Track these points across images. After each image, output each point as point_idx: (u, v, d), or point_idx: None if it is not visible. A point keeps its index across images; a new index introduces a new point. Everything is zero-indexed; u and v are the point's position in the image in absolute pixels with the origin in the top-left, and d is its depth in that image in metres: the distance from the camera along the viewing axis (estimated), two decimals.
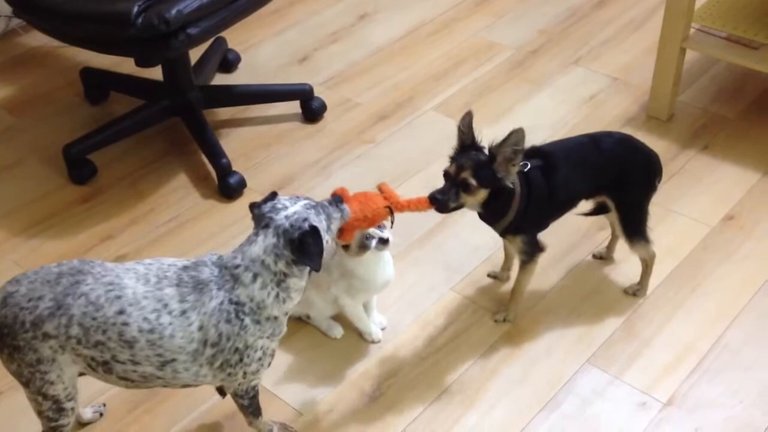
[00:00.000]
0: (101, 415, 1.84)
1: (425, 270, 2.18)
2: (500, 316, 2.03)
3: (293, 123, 2.68)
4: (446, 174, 1.77)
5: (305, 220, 1.52)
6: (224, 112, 2.71)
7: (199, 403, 1.87)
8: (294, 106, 2.69)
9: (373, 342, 1.98)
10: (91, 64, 2.78)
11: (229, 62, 2.86)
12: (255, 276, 1.52)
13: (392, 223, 1.77)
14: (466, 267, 2.18)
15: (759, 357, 1.93)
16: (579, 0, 3.21)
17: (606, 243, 2.18)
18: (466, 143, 1.76)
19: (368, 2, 3.23)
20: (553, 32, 3.06)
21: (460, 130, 1.77)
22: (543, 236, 1.96)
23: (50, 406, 1.57)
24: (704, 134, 2.57)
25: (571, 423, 1.82)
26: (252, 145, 2.60)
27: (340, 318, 2.02)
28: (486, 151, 1.75)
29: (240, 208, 2.36)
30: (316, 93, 2.70)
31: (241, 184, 2.39)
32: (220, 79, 2.82)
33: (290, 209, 1.53)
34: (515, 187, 1.79)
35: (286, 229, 1.51)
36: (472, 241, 2.23)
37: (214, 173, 2.44)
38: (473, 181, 1.73)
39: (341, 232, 1.67)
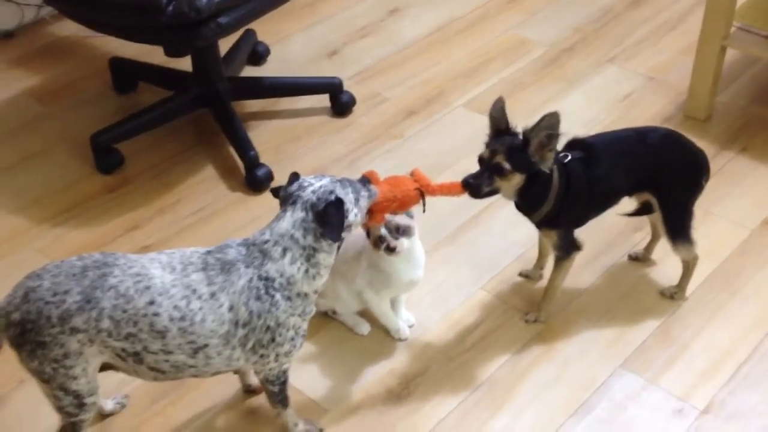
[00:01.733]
0: (123, 406, 1.81)
1: (455, 267, 2.13)
2: (532, 316, 1.98)
3: (322, 117, 2.65)
4: (480, 159, 1.73)
5: (332, 192, 1.52)
6: (253, 105, 2.67)
7: (223, 397, 1.83)
8: (323, 100, 2.66)
9: (399, 339, 1.94)
10: (120, 54, 2.76)
11: (258, 55, 2.83)
12: (284, 250, 1.51)
13: (424, 206, 1.73)
14: (497, 265, 2.13)
15: None
16: None
17: (643, 244, 2.12)
18: (500, 128, 1.73)
19: None
20: (587, 31, 3.00)
21: (492, 116, 1.73)
22: (578, 233, 1.90)
23: (71, 401, 1.54)
24: (743, 135, 2.50)
25: (604, 428, 1.76)
26: (280, 138, 2.56)
27: (366, 314, 1.98)
28: (520, 137, 1.71)
29: (267, 200, 2.29)
30: (346, 87, 2.66)
31: (269, 177, 2.36)
32: (249, 72, 2.79)
33: (316, 184, 1.54)
34: (552, 176, 1.74)
35: (313, 202, 1.51)
36: (505, 239, 2.18)
37: (241, 165, 2.40)
38: (507, 165, 1.69)
39: (371, 213, 1.66)
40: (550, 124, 1.66)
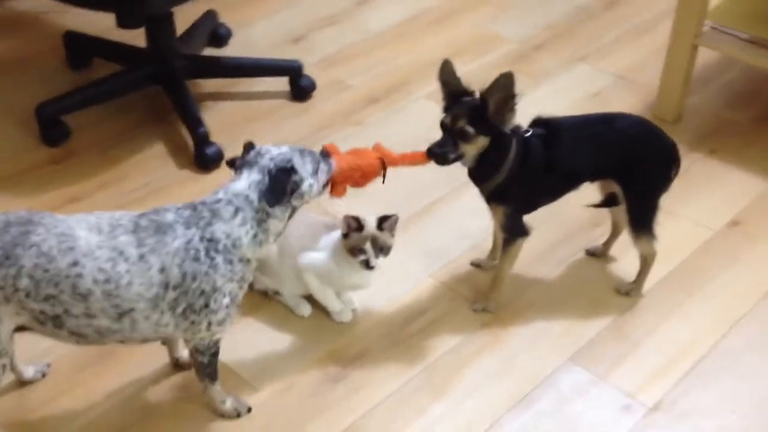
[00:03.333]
0: (44, 375, 1.72)
1: (406, 254, 2.04)
2: (479, 305, 1.89)
3: (280, 100, 2.57)
4: (442, 125, 1.67)
5: (289, 161, 1.50)
6: (210, 85, 2.59)
7: (150, 370, 1.74)
8: (283, 84, 2.58)
9: (340, 322, 1.85)
10: (78, 30, 2.67)
11: (220, 37, 2.75)
12: (236, 210, 1.47)
13: (384, 178, 1.68)
14: (449, 254, 2.04)
15: (759, 366, 1.79)
16: None
17: (602, 239, 2.04)
18: (455, 91, 1.66)
19: None
20: (561, 29, 2.94)
21: (443, 80, 1.67)
22: (534, 226, 1.83)
23: None
24: (713, 138, 2.44)
25: (546, 421, 1.67)
26: (235, 120, 2.48)
27: (309, 297, 1.88)
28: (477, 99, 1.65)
29: (216, 180, 2.22)
30: (308, 73, 2.58)
31: (218, 156, 2.27)
32: (209, 54, 2.71)
33: (275, 152, 1.52)
34: (510, 147, 1.68)
35: (270, 168, 1.47)
36: (459, 228, 2.10)
37: (192, 144, 2.31)
38: (470, 129, 1.63)
39: (334, 184, 1.62)
40: (505, 84, 1.61)
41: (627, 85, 2.66)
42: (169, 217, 1.47)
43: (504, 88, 1.62)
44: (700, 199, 2.22)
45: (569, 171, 1.78)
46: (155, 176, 2.26)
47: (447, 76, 1.69)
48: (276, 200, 1.47)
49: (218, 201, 1.47)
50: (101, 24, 2.58)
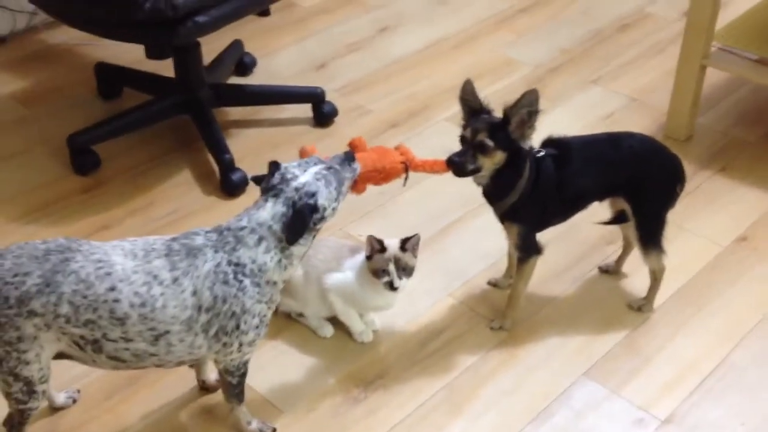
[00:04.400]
0: (74, 401, 1.79)
1: (425, 273, 2.10)
2: (496, 323, 1.95)
3: (304, 126, 2.65)
4: (463, 138, 1.74)
5: (313, 195, 1.51)
6: (235, 113, 2.69)
7: (177, 394, 1.81)
8: (306, 110, 2.67)
9: (362, 342, 1.92)
10: (109, 61, 2.79)
11: (245, 65, 2.85)
12: (260, 239, 1.51)
13: (406, 180, 1.74)
14: (466, 274, 2.11)
15: (765, 379, 1.83)
16: (602, 23, 3.17)
17: (614, 257, 2.10)
18: (475, 108, 1.74)
19: (391, 16, 3.22)
20: (575, 52, 3.02)
21: (463, 99, 1.76)
22: (549, 245, 1.90)
23: (21, 387, 1.52)
24: (723, 156, 2.49)
25: None
26: (260, 146, 2.57)
27: (331, 318, 1.96)
28: (498, 115, 1.73)
29: (241, 205, 2.27)
30: (330, 99, 2.67)
31: (244, 182, 2.36)
32: (234, 82, 2.81)
33: (300, 179, 1.52)
34: (524, 167, 1.75)
35: (295, 201, 1.50)
36: (476, 248, 2.17)
37: (218, 170, 2.40)
38: (490, 142, 1.70)
39: (355, 183, 1.65)
40: (530, 101, 1.68)
41: (639, 106, 2.72)
42: (199, 240, 1.52)
43: (528, 105, 1.68)
44: (709, 215, 2.27)
45: (580, 190, 1.85)
46: (183, 202, 2.35)
47: (467, 95, 1.76)
48: (296, 238, 1.50)
49: (242, 228, 1.51)
50: (131, 55, 2.70)
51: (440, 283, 2.09)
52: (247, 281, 1.51)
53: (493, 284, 2.07)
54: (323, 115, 2.64)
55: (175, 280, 1.49)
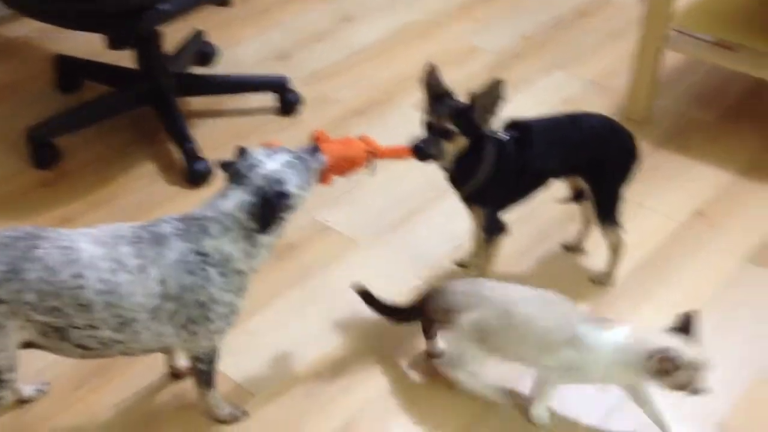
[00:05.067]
0: (43, 393, 1.77)
1: (394, 256, 2.14)
2: None
3: (268, 116, 2.66)
4: (426, 123, 1.76)
5: (281, 182, 1.49)
6: (198, 103, 2.68)
7: (148, 382, 1.80)
8: (270, 100, 2.67)
9: (535, 425, 1.72)
10: (67, 54, 2.76)
11: (206, 56, 2.84)
12: (225, 229, 1.49)
13: (373, 169, 1.74)
14: (435, 255, 2.13)
15: (722, 347, 1.88)
16: (563, 9, 3.22)
17: (576, 234, 2.14)
18: (439, 93, 1.76)
19: (354, 5, 3.23)
20: (536, 38, 3.05)
21: (427, 83, 1.76)
22: (513, 226, 1.93)
23: None
24: (680, 136, 2.55)
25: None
26: (224, 136, 2.57)
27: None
28: (461, 99, 1.75)
29: (206, 195, 2.29)
30: (294, 89, 2.67)
31: (208, 171, 2.35)
32: (196, 72, 2.80)
33: (268, 166, 1.50)
34: (487, 150, 1.77)
35: (262, 188, 1.48)
36: (444, 230, 2.19)
37: (182, 161, 2.40)
38: (454, 128, 1.72)
39: (321, 174, 1.64)
40: (496, 88, 1.70)
41: (599, 90, 2.77)
42: (166, 228, 1.51)
43: (494, 93, 1.71)
44: (667, 193, 2.32)
45: (541, 170, 1.88)
46: (146, 194, 2.34)
47: (431, 78, 1.77)
48: (267, 228, 1.49)
49: (207, 218, 1.49)
50: (90, 47, 2.68)
51: (409, 266, 2.10)
52: (212, 271, 1.49)
53: (460, 264, 2.09)
54: (288, 104, 2.64)
55: (141, 267, 1.48)
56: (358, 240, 2.19)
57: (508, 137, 1.82)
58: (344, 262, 2.12)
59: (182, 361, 1.79)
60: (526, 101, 2.72)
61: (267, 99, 2.67)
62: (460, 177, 1.82)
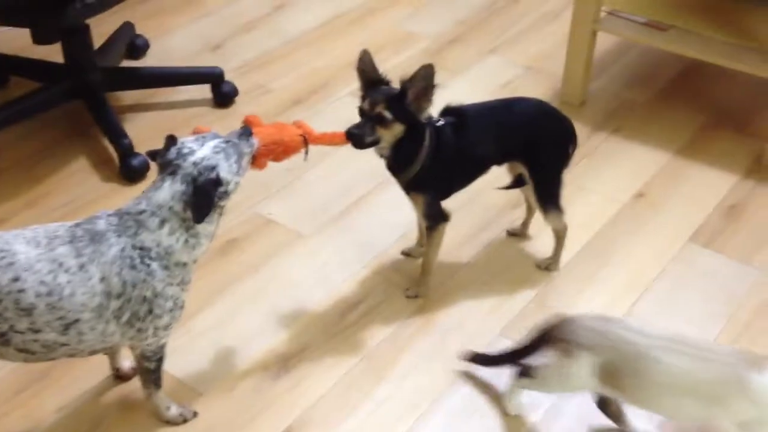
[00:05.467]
0: None
1: (339, 247, 2.12)
2: (412, 291, 1.97)
3: (203, 108, 2.60)
4: (361, 110, 1.74)
5: (213, 168, 1.45)
6: (130, 97, 2.61)
7: (91, 385, 1.75)
8: (204, 91, 2.61)
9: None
10: None
11: (137, 48, 2.77)
12: (162, 222, 1.46)
13: (306, 154, 1.70)
14: (380, 245, 2.12)
15: (669, 326, 1.91)
16: None
17: (520, 220, 2.16)
18: (373, 79, 1.74)
19: None
20: (471, 23, 3.06)
21: (361, 69, 1.75)
22: (457, 213, 1.93)
23: None
24: (616, 118, 2.58)
25: (484, 391, 1.77)
26: (159, 130, 2.45)
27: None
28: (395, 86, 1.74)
29: (141, 190, 2.25)
30: (228, 80, 2.62)
31: (145, 167, 2.29)
32: (127, 65, 2.72)
33: (198, 154, 1.46)
34: (424, 136, 1.76)
35: (194, 176, 1.44)
36: (387, 220, 2.18)
37: (116, 156, 2.33)
38: (388, 114, 1.71)
39: (254, 158, 1.60)
40: (426, 74, 1.69)
41: (535, 73, 2.79)
42: (101, 225, 1.47)
43: (424, 79, 1.69)
44: (607, 174, 2.36)
45: (479, 156, 1.88)
46: (81, 191, 2.27)
47: (365, 65, 1.76)
48: (203, 217, 1.45)
49: (142, 212, 1.46)
50: (16, 43, 2.58)
51: (354, 256, 2.09)
52: (154, 264, 1.46)
53: (406, 254, 2.09)
54: (223, 95, 2.59)
55: (81, 266, 1.44)
56: (302, 232, 2.16)
57: (444, 123, 1.81)
58: (289, 255, 2.10)
59: (127, 363, 1.75)
60: (464, 87, 2.72)
61: (201, 90, 2.62)
62: (398, 164, 1.81)
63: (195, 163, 1.45)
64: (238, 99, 2.62)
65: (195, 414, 1.70)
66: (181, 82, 2.61)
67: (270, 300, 1.97)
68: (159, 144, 2.45)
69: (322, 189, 2.30)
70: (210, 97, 2.61)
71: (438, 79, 1.72)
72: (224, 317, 1.93)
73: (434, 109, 1.82)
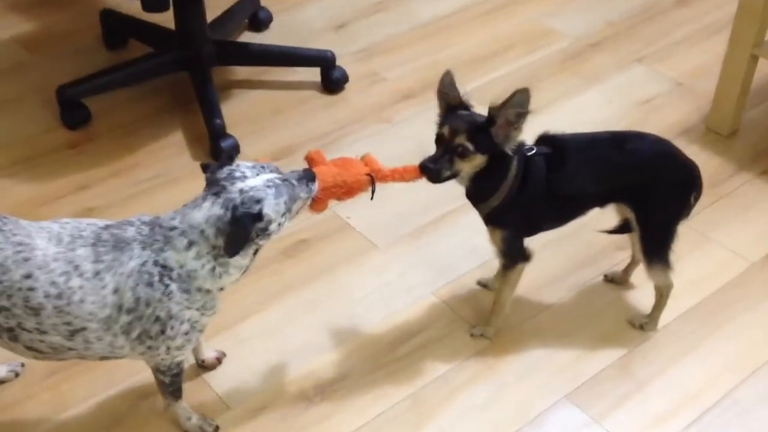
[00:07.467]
0: (17, 375, 1.69)
1: (409, 267, 1.94)
2: (478, 330, 1.77)
3: (311, 91, 2.48)
4: (439, 138, 1.55)
5: (258, 202, 1.33)
6: (242, 72, 2.53)
7: (122, 379, 1.69)
8: (316, 74, 2.49)
9: None
10: (119, 8, 2.64)
11: (259, 21, 2.68)
12: (190, 244, 1.35)
13: (372, 194, 1.54)
14: (454, 271, 1.92)
15: None
16: None
17: (623, 265, 1.88)
18: (453, 104, 1.56)
19: None
20: (622, 26, 2.75)
21: (441, 92, 1.57)
22: (549, 246, 1.74)
23: None
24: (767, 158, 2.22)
25: None
26: (260, 110, 2.41)
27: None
28: (475, 110, 1.56)
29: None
30: (346, 63, 2.49)
31: (234, 149, 2.21)
32: (247, 38, 2.65)
33: (248, 182, 1.34)
34: (511, 166, 1.56)
35: (236, 204, 1.33)
36: (468, 244, 1.97)
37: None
38: (470, 146, 1.51)
39: (314, 201, 1.47)
40: (520, 101, 1.48)
41: (684, 91, 2.46)
42: (130, 232, 1.39)
43: (519, 105, 1.49)
44: (740, 224, 2.02)
45: (573, 195, 1.63)
46: (168, 166, 2.22)
47: (447, 87, 1.57)
48: (236, 251, 1.33)
49: (173, 228, 1.36)
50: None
51: (424, 279, 1.91)
52: (173, 286, 1.36)
53: (483, 285, 1.88)
54: (332, 80, 2.46)
55: (96, 273, 1.36)
56: (376, 243, 2.00)
57: (536, 153, 1.58)
58: (356, 266, 1.95)
59: (212, 353, 1.71)
60: (596, 97, 2.45)
61: (313, 73, 2.50)
62: (477, 194, 1.61)
63: (242, 191, 1.34)
64: (348, 86, 2.49)
65: (216, 429, 1.61)
66: (290, 62, 2.51)
67: (324, 314, 1.83)
68: (257, 125, 2.39)
69: (407, 201, 2.11)
70: (319, 81, 2.48)
71: (536, 102, 1.48)
72: (273, 326, 1.81)
73: (525, 136, 1.59)
